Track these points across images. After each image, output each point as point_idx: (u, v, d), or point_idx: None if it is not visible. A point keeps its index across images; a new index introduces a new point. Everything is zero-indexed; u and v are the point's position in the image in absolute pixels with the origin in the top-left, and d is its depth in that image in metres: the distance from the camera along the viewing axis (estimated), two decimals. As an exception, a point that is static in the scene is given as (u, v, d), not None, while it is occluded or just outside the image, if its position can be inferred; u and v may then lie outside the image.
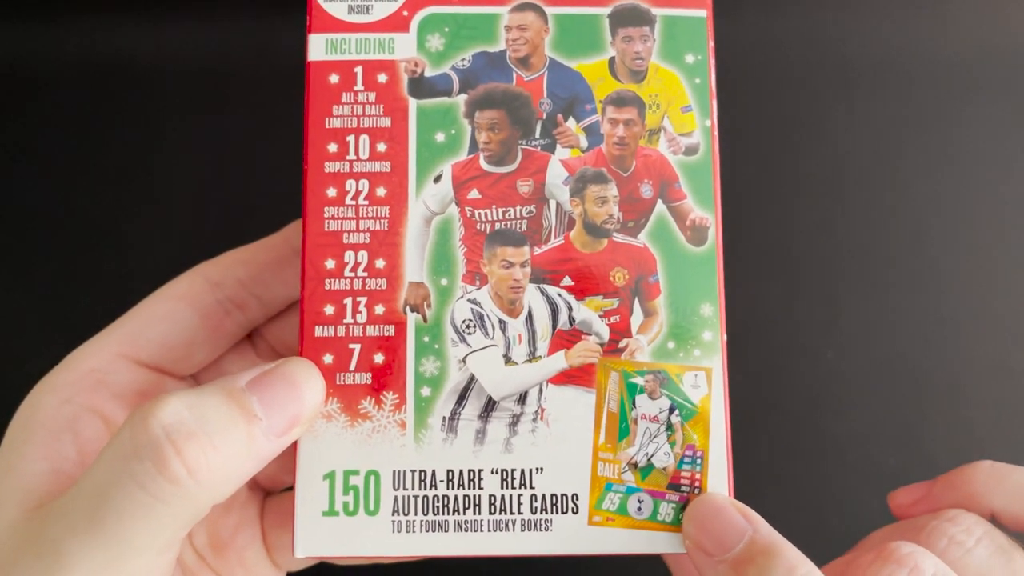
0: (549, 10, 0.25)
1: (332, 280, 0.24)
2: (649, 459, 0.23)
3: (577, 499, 0.23)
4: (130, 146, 0.46)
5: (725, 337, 0.24)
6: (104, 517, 0.20)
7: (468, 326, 0.24)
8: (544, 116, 0.25)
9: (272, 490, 0.29)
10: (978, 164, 0.47)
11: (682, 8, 0.25)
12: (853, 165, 0.47)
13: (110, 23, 0.49)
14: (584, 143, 0.24)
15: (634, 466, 0.23)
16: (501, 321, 0.24)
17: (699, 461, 0.23)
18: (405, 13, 0.25)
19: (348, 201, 0.24)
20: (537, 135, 0.24)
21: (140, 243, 0.45)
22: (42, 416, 0.24)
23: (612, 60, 0.25)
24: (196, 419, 0.20)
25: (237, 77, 0.47)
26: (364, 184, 0.24)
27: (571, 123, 0.25)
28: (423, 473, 0.23)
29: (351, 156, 0.24)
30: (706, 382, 0.24)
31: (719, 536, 0.22)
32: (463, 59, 0.25)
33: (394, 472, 0.23)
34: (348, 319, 0.23)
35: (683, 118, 0.25)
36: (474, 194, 0.24)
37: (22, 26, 0.49)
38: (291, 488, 0.29)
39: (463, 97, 0.24)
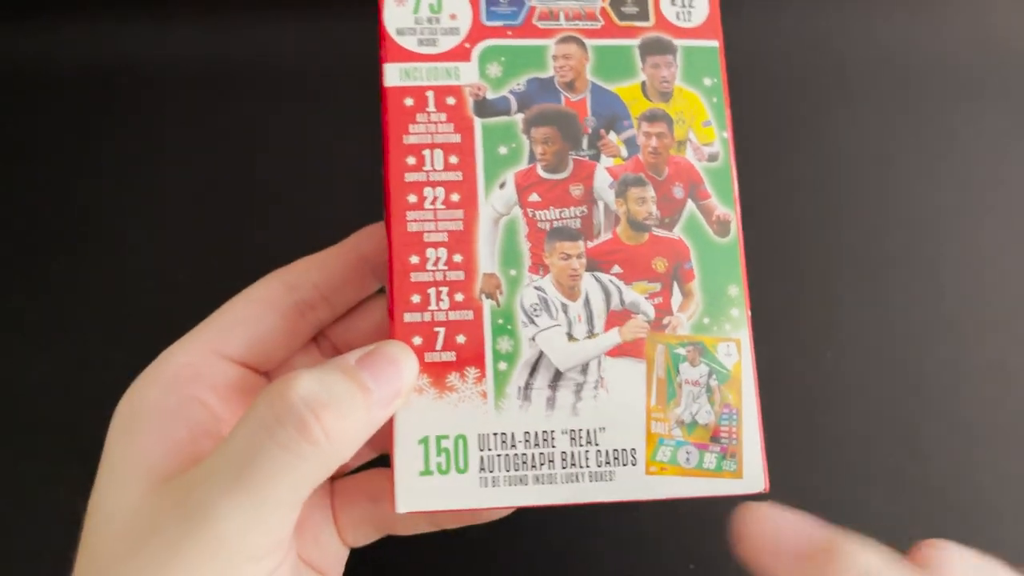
0: (588, 42, 0.29)
1: (417, 273, 0.27)
2: (693, 417, 0.27)
3: (635, 453, 0.27)
4: (131, 147, 0.47)
5: (750, 312, 0.28)
6: (250, 476, 0.23)
7: (535, 309, 0.27)
8: (589, 131, 0.29)
9: (338, 474, 0.32)
10: (977, 164, 0.46)
11: (699, 39, 0.30)
12: (852, 165, 0.46)
13: (110, 24, 0.49)
14: (624, 153, 0.29)
15: (681, 423, 0.27)
16: (563, 304, 0.28)
17: (735, 417, 0.27)
18: (467, 45, 0.29)
19: (427, 206, 0.28)
20: (584, 147, 0.29)
21: (140, 244, 0.45)
22: (149, 404, 0.27)
23: (644, 83, 0.29)
24: (327, 391, 0.24)
25: (238, 78, 0.48)
26: (440, 191, 0.28)
27: (612, 136, 0.29)
28: (504, 435, 0.27)
29: (427, 167, 0.28)
30: (736, 351, 0.28)
31: (783, 538, 0.24)
32: (518, 84, 0.29)
33: (479, 435, 0.27)
34: (432, 306, 0.27)
35: (704, 131, 0.29)
36: (534, 197, 0.28)
37: (23, 26, 0.49)
38: (355, 472, 0.33)
39: (520, 116, 0.29)
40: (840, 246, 0.44)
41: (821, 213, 0.45)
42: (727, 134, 0.29)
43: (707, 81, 0.30)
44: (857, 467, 0.40)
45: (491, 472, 0.27)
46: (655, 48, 0.30)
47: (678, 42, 0.30)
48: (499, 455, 0.27)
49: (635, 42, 0.30)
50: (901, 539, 0.27)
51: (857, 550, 0.23)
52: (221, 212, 0.46)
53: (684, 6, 0.30)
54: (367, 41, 0.50)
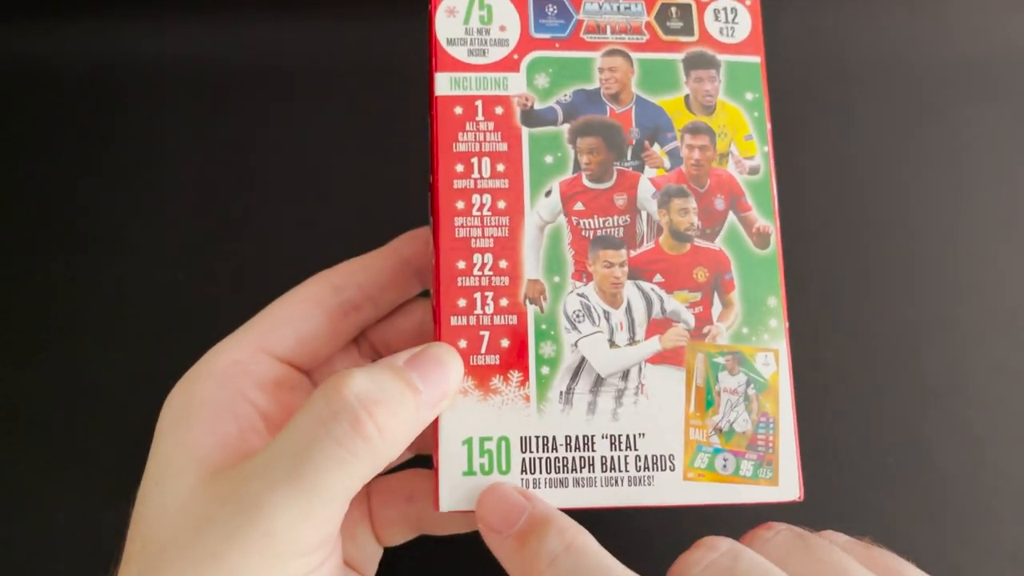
0: (634, 55, 0.30)
1: (463, 278, 0.28)
2: (731, 425, 0.28)
3: (673, 459, 0.28)
4: (131, 147, 0.46)
5: (787, 324, 0.29)
6: (305, 470, 0.24)
7: (578, 316, 0.28)
8: (633, 142, 0.29)
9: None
10: (978, 164, 0.46)
11: (741, 55, 0.30)
12: (852, 165, 0.45)
13: (110, 24, 0.49)
14: (667, 164, 0.29)
15: (719, 431, 0.28)
16: (605, 311, 0.28)
17: (772, 425, 0.28)
18: (516, 56, 0.30)
19: (474, 212, 0.28)
20: (628, 157, 0.29)
21: (140, 244, 0.45)
22: (200, 399, 0.28)
23: (687, 97, 0.30)
24: (379, 389, 0.24)
25: (238, 78, 0.48)
26: (487, 198, 0.28)
27: (656, 148, 0.30)
28: (545, 438, 0.27)
29: (475, 175, 0.29)
30: (774, 361, 0.28)
31: (504, 515, 0.26)
32: (565, 95, 0.30)
33: (521, 438, 0.27)
34: (478, 310, 0.28)
35: (746, 144, 0.30)
36: (579, 206, 0.29)
37: (23, 26, 0.48)
38: (392, 472, 0.33)
39: (566, 126, 0.29)
40: (840, 246, 0.44)
41: (821, 213, 0.45)
42: (768, 148, 0.30)
43: (749, 96, 0.30)
44: (857, 467, 0.40)
45: (532, 474, 0.27)
46: (699, 62, 0.30)
47: (721, 57, 0.30)
48: (540, 458, 0.27)
49: (679, 56, 0.30)
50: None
51: (564, 529, 0.24)
52: (221, 212, 0.46)
53: (728, 22, 0.31)
54: (367, 41, 0.50)
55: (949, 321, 0.43)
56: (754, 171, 0.30)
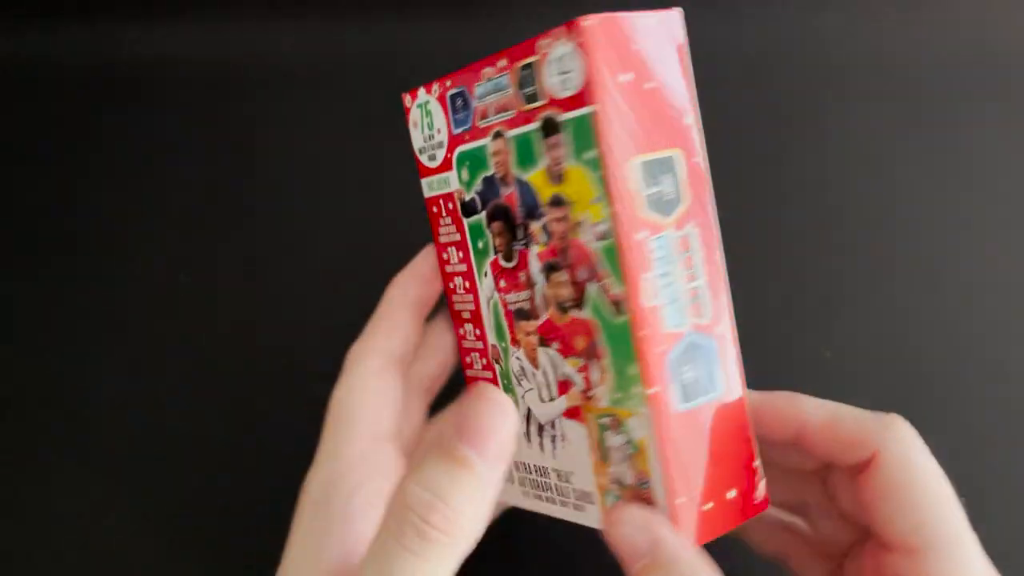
0: (507, 134, 0.32)
1: (464, 342, 0.37)
2: (620, 478, 0.31)
3: (593, 497, 0.33)
4: (131, 147, 0.47)
5: (652, 390, 0.29)
6: None
7: (519, 375, 0.34)
8: (519, 222, 0.32)
9: None
10: (974, 164, 0.46)
11: (577, 108, 0.28)
12: (849, 165, 0.46)
13: (110, 24, 0.50)
14: (543, 239, 0.31)
15: (616, 481, 0.31)
16: (532, 372, 0.34)
17: (647, 484, 0.30)
18: (449, 155, 0.35)
19: (457, 291, 0.37)
20: (519, 237, 0.32)
21: (140, 244, 0.46)
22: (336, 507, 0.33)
23: (547, 168, 0.30)
24: (432, 492, 0.26)
25: (238, 78, 0.49)
26: (459, 280, 0.36)
27: (534, 225, 0.32)
28: (523, 464, 0.36)
29: (452, 261, 0.36)
30: (641, 426, 0.29)
31: (631, 547, 0.29)
32: (479, 184, 0.34)
33: (514, 461, 0.36)
34: (475, 366, 0.37)
35: (594, 209, 0.29)
36: (503, 283, 0.34)
37: (23, 26, 0.50)
38: None
39: (484, 213, 0.34)
40: (839, 246, 0.45)
41: (820, 213, 0.46)
42: (613, 207, 0.28)
43: (588, 155, 0.29)
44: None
45: (522, 486, 0.36)
46: (548, 129, 0.30)
47: (563, 116, 0.29)
48: (524, 478, 0.36)
49: (536, 126, 0.30)
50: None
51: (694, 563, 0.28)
52: (221, 212, 0.46)
53: (563, 73, 0.29)
54: (367, 42, 0.47)
55: (949, 321, 0.44)
56: (602, 236, 0.29)
